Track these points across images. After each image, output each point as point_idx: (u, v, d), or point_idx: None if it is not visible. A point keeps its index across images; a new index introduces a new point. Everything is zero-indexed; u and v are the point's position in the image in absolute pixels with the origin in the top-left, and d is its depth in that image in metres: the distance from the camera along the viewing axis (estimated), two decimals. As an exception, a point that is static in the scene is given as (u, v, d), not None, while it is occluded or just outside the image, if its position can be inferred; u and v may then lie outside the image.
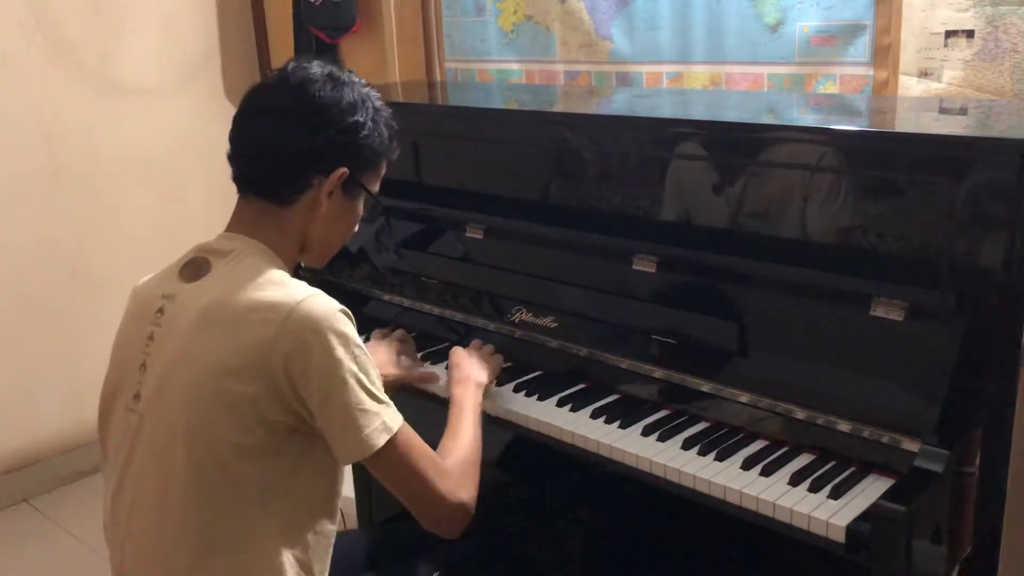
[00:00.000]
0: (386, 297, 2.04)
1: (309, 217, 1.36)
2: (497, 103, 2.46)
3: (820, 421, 1.41)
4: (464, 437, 1.44)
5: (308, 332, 1.21)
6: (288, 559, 1.27)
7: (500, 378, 1.70)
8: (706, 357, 1.55)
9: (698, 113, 2.03)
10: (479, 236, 1.91)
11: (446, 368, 1.69)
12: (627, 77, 2.55)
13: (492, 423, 1.63)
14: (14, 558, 2.77)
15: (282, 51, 3.44)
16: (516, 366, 1.75)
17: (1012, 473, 1.18)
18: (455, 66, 3.01)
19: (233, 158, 1.37)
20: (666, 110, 2.07)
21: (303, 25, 3.23)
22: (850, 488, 1.31)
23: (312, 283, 1.31)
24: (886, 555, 1.21)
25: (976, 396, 1.32)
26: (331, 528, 1.34)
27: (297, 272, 1.38)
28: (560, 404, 1.62)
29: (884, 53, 2.10)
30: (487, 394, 1.62)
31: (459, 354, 1.67)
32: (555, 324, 1.73)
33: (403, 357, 1.78)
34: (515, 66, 2.83)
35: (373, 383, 1.26)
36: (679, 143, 1.72)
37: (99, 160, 3.14)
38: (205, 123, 3.30)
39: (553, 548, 2.06)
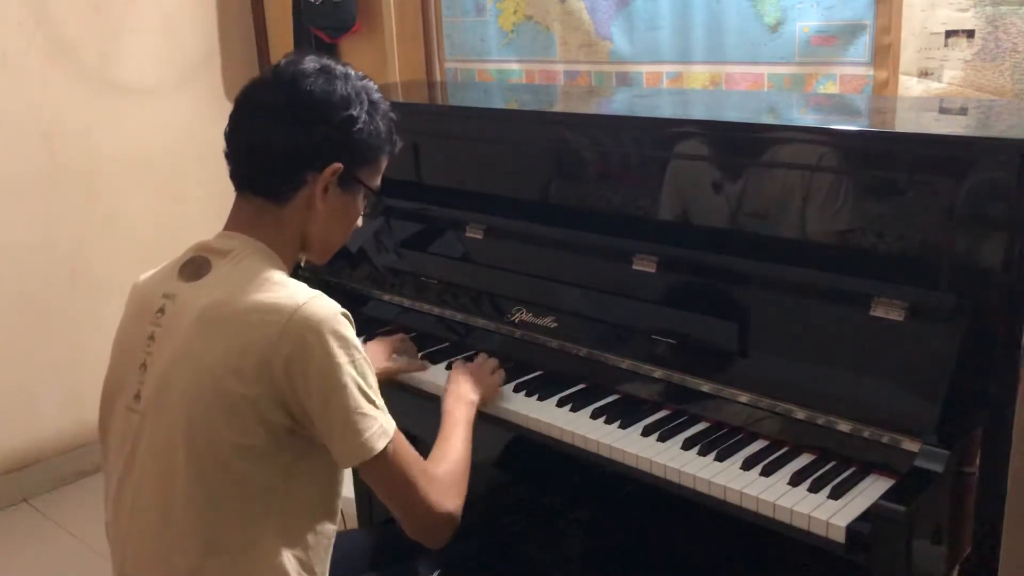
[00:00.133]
0: (386, 297, 2.04)
1: (306, 214, 1.35)
2: (497, 103, 2.46)
3: (820, 421, 1.41)
4: (454, 450, 1.44)
5: (309, 334, 1.21)
6: (289, 559, 1.27)
7: (500, 379, 1.70)
8: (706, 357, 1.54)
9: (698, 113, 2.03)
10: (479, 236, 1.91)
11: (446, 368, 1.68)
12: (627, 77, 2.55)
13: (492, 423, 1.63)
14: (14, 558, 2.77)
15: (282, 51, 3.42)
16: (516, 366, 1.74)
17: (1012, 473, 1.17)
18: (455, 66, 3.01)
19: (229, 156, 1.37)
20: (666, 110, 2.07)
21: (303, 25, 3.23)
22: (850, 488, 1.31)
23: (312, 283, 1.30)
24: (886, 555, 1.22)
25: (976, 396, 1.32)
26: (331, 528, 1.34)
27: (297, 271, 1.38)
28: (560, 404, 1.62)
29: (884, 53, 2.10)
30: (483, 406, 1.61)
31: (459, 370, 1.66)
32: (555, 324, 1.73)
33: (397, 355, 1.78)
34: (515, 66, 2.83)
35: (371, 387, 1.26)
36: (679, 143, 1.72)
37: (99, 160, 3.14)
38: (205, 123, 3.29)
39: (553, 548, 2.05)
